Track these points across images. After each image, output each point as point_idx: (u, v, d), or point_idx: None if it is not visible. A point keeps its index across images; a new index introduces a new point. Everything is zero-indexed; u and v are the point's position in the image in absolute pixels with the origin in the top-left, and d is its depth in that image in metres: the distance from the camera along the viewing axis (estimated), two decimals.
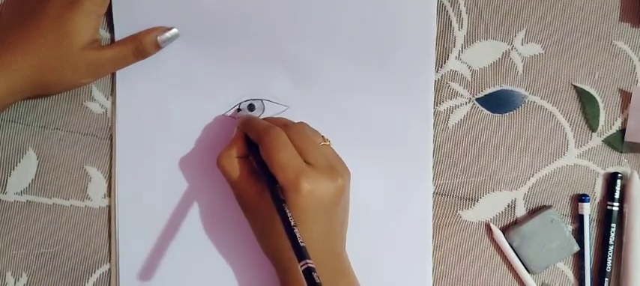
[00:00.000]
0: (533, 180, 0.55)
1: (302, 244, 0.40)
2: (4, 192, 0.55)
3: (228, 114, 0.54)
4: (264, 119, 0.51)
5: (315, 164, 0.46)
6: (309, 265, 0.38)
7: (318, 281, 0.37)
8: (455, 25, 0.54)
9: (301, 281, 0.46)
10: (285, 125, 0.48)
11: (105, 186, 0.55)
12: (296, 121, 0.50)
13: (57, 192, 0.55)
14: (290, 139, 0.46)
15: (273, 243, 0.48)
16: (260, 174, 0.47)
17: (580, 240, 0.55)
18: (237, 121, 0.51)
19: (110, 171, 0.55)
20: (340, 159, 0.49)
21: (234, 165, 0.48)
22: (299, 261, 0.39)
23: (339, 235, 0.49)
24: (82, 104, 0.54)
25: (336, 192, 0.46)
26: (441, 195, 0.55)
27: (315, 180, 0.45)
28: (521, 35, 0.54)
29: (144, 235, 0.54)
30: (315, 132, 0.50)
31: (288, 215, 0.42)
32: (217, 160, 0.49)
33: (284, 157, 0.45)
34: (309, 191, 0.44)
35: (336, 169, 0.47)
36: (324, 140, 0.49)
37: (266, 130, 0.46)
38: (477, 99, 0.55)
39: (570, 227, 0.55)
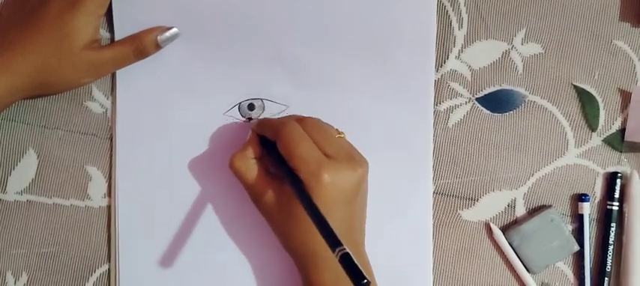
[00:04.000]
0: (533, 179, 0.55)
1: (334, 231, 0.39)
2: (4, 191, 0.55)
3: (228, 113, 0.54)
4: (278, 119, 0.51)
5: (334, 155, 0.46)
6: (346, 250, 0.37)
7: (357, 263, 0.36)
8: (455, 24, 0.54)
9: (326, 273, 0.47)
10: (299, 119, 0.48)
11: (105, 185, 0.55)
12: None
13: (57, 191, 0.55)
14: (306, 133, 0.46)
15: (296, 239, 0.48)
16: (277, 172, 0.47)
17: (580, 240, 0.55)
18: (251, 124, 0.52)
19: (110, 171, 0.55)
20: (357, 150, 0.49)
21: (249, 167, 0.48)
22: (334, 249, 0.38)
23: (359, 227, 0.49)
24: (82, 104, 0.54)
25: (356, 182, 0.46)
26: (441, 194, 0.55)
27: (336, 170, 0.45)
28: (521, 35, 0.54)
29: (144, 235, 0.54)
30: (329, 125, 0.50)
31: (315, 205, 0.42)
32: (231, 162, 0.49)
33: (303, 150, 0.45)
34: (330, 182, 0.44)
35: (355, 159, 0.47)
36: (339, 133, 0.50)
37: (282, 126, 0.47)
38: (476, 99, 0.55)
39: (570, 227, 0.55)
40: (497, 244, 0.55)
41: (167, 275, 0.55)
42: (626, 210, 0.54)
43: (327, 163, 0.45)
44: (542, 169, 0.55)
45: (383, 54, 0.53)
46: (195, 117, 0.54)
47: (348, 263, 0.37)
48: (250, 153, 0.49)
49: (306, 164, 0.45)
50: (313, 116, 0.50)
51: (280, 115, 0.54)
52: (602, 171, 0.55)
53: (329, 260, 0.46)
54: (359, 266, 0.36)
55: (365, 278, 0.36)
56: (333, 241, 0.39)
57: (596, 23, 0.54)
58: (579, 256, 0.55)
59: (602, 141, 0.55)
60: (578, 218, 0.55)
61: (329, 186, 0.44)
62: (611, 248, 0.54)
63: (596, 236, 0.55)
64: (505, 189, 0.55)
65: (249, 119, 0.54)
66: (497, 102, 0.55)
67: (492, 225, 0.55)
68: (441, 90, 0.54)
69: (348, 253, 0.37)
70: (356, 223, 0.49)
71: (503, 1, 0.54)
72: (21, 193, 0.55)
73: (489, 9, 0.54)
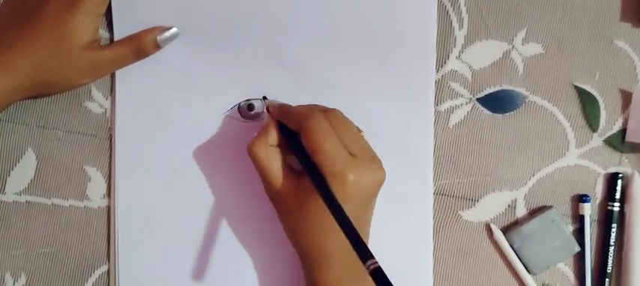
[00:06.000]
0: (533, 180, 0.55)
1: (364, 242, 0.38)
2: (3, 192, 0.55)
3: (229, 114, 0.54)
4: (301, 107, 0.49)
5: (358, 155, 0.45)
6: (378, 264, 0.36)
7: (389, 280, 0.35)
8: (455, 24, 0.54)
9: (331, 273, 0.46)
10: (324, 112, 0.47)
11: (104, 186, 0.55)
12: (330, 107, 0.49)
13: (56, 192, 0.55)
14: (332, 128, 0.45)
15: (306, 237, 0.47)
16: (294, 164, 0.47)
17: (581, 241, 0.54)
18: (270, 107, 0.50)
19: (109, 172, 0.55)
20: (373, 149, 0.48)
21: (268, 154, 0.47)
22: (365, 261, 0.37)
23: (367, 227, 0.49)
24: (81, 104, 0.54)
25: (378, 184, 0.46)
26: (441, 195, 0.55)
27: (361, 171, 0.44)
28: (521, 35, 0.54)
29: (143, 235, 0.54)
30: (350, 120, 0.48)
31: (342, 208, 0.40)
32: (250, 147, 0.47)
33: (330, 147, 0.44)
34: (355, 182, 0.43)
35: (377, 160, 0.46)
36: (359, 130, 0.49)
37: (307, 117, 0.45)
38: (477, 99, 0.55)
39: (571, 228, 0.55)
40: (498, 245, 0.55)
41: (167, 275, 0.55)
42: (627, 210, 0.54)
43: (353, 163, 0.44)
44: (543, 170, 0.55)
45: (383, 54, 0.53)
46: (195, 117, 0.54)
47: (381, 279, 0.35)
48: (271, 139, 0.47)
49: (332, 162, 0.43)
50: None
51: None
52: (603, 172, 0.55)
53: (335, 261, 0.46)
54: (391, 282, 0.35)
55: None
56: (365, 252, 0.37)
57: (596, 23, 0.54)
58: (580, 257, 0.55)
59: (603, 141, 0.55)
60: (579, 219, 0.55)
61: (353, 186, 0.43)
62: (612, 249, 0.54)
63: (597, 237, 0.55)
64: (505, 189, 0.55)
65: (268, 110, 0.51)
66: (498, 102, 0.54)
67: (493, 226, 0.55)
68: (442, 90, 0.54)
69: (380, 267, 0.36)
70: (365, 225, 0.49)
71: (503, 1, 0.54)
72: (20, 194, 0.55)
73: (490, 9, 0.54)
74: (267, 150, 0.47)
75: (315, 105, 0.50)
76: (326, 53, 0.53)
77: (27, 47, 0.49)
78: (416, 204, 0.55)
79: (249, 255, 0.55)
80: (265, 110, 0.52)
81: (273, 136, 0.47)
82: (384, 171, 0.46)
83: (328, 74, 0.53)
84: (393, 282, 0.35)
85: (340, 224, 0.40)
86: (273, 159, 0.47)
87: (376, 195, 0.47)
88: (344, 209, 0.40)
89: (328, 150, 0.44)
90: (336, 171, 0.43)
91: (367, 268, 0.36)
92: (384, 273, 0.36)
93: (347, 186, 0.43)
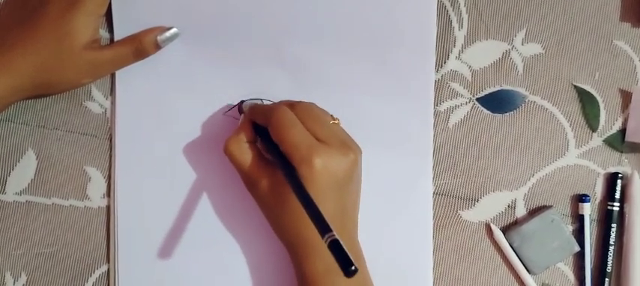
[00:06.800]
0: (533, 180, 0.55)
1: (324, 217, 0.39)
2: (3, 192, 0.55)
3: (228, 114, 0.54)
4: (270, 104, 0.51)
5: (326, 140, 0.46)
6: (335, 237, 0.37)
7: (346, 250, 0.36)
8: (455, 24, 0.54)
9: (317, 262, 0.46)
10: (291, 105, 0.48)
11: (104, 186, 0.55)
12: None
13: (56, 192, 0.55)
14: (299, 118, 0.46)
15: (288, 227, 0.47)
16: (270, 157, 0.47)
17: (580, 240, 0.54)
18: (244, 107, 0.52)
19: (109, 171, 0.55)
20: (350, 136, 0.49)
21: (243, 151, 0.48)
22: (323, 235, 0.37)
23: (352, 216, 0.49)
24: (81, 104, 0.54)
25: (349, 167, 0.46)
26: (441, 195, 0.55)
27: (328, 155, 0.45)
28: (521, 35, 0.54)
29: (143, 235, 0.54)
30: (324, 110, 0.50)
31: (305, 190, 0.41)
32: (225, 146, 0.48)
33: (295, 135, 0.45)
34: (322, 166, 0.44)
35: (347, 145, 0.47)
36: (333, 119, 0.50)
37: (273, 111, 0.46)
38: (477, 99, 0.55)
39: (571, 228, 0.55)
40: (498, 245, 0.55)
41: (166, 275, 0.55)
42: (626, 210, 0.54)
43: (319, 148, 0.45)
44: (543, 169, 0.55)
45: (383, 54, 0.53)
46: (194, 118, 0.54)
47: (337, 250, 0.36)
48: (244, 137, 0.48)
49: (297, 149, 0.44)
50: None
51: None
52: (602, 172, 0.55)
53: (321, 250, 0.46)
54: (348, 253, 0.36)
55: (353, 265, 0.35)
56: (323, 227, 0.38)
57: (596, 23, 0.54)
58: (580, 257, 0.55)
59: (603, 141, 0.55)
60: (579, 219, 0.55)
61: (321, 170, 0.44)
62: (611, 248, 0.54)
63: (596, 236, 0.55)
64: (505, 189, 0.55)
65: (240, 111, 0.53)
66: (498, 102, 0.55)
67: (493, 226, 0.55)
68: (441, 90, 0.54)
69: (337, 239, 0.37)
70: (348, 211, 0.48)
71: (503, 1, 0.54)
72: (20, 194, 0.55)
73: (489, 9, 0.54)
74: (240, 146, 0.48)
75: (286, 100, 0.51)
76: (326, 53, 0.53)
77: (28, 47, 0.49)
78: (416, 204, 0.55)
79: (250, 254, 0.55)
80: (238, 111, 0.53)
81: (245, 134, 0.49)
82: (357, 156, 0.47)
83: (328, 74, 0.53)
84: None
85: (300, 200, 0.41)
86: (246, 155, 0.48)
87: (350, 180, 0.47)
88: (316, 194, 0.41)
89: (292, 138, 0.45)
90: (302, 156, 0.44)
91: (325, 241, 0.37)
92: (340, 245, 0.36)
93: (315, 171, 0.44)
